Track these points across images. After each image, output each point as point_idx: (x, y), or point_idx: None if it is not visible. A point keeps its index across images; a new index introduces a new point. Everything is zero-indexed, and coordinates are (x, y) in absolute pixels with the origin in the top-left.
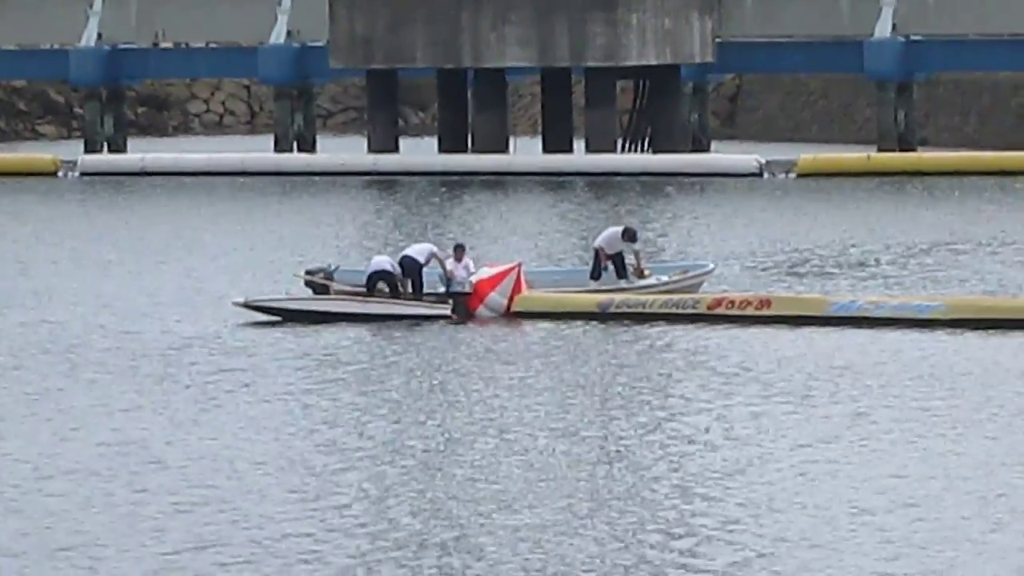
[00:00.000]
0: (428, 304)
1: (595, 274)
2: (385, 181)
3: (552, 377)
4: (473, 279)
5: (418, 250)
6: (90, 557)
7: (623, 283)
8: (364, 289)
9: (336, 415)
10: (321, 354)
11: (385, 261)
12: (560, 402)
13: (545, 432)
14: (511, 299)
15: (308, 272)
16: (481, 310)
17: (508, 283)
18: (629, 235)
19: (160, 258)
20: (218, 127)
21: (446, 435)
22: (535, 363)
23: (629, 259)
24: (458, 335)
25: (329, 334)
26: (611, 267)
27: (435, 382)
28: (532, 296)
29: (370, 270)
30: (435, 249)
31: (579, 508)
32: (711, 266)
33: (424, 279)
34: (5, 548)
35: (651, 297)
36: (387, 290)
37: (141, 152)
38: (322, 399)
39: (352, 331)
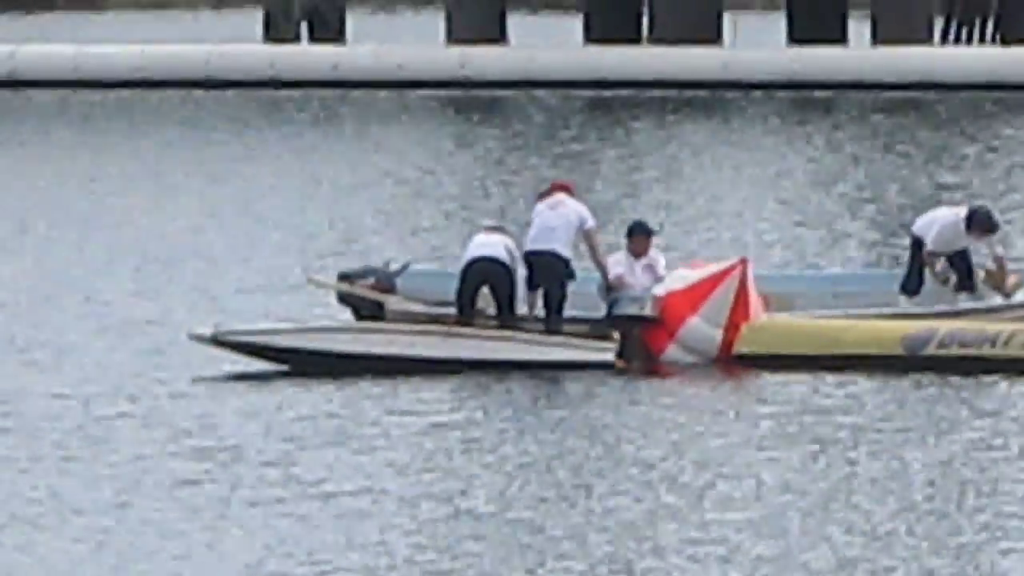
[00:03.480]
0: (572, 341)
1: (911, 284)
2: (485, 99)
3: (821, 503)
4: (659, 291)
5: (557, 228)
6: None
7: (966, 301)
8: (453, 307)
9: None
10: (352, 447)
11: (496, 244)
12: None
13: None
14: (732, 330)
15: (344, 276)
16: (673, 350)
17: (725, 298)
18: (981, 222)
19: (58, 260)
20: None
21: None
22: (780, 483)
23: (985, 263)
24: (628, 407)
25: (370, 400)
26: (943, 272)
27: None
28: (774, 324)
29: (466, 258)
30: (589, 220)
31: None
32: None
33: (570, 286)
34: None
35: (1010, 328)
36: (493, 305)
37: (8, 44)
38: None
39: (419, 393)
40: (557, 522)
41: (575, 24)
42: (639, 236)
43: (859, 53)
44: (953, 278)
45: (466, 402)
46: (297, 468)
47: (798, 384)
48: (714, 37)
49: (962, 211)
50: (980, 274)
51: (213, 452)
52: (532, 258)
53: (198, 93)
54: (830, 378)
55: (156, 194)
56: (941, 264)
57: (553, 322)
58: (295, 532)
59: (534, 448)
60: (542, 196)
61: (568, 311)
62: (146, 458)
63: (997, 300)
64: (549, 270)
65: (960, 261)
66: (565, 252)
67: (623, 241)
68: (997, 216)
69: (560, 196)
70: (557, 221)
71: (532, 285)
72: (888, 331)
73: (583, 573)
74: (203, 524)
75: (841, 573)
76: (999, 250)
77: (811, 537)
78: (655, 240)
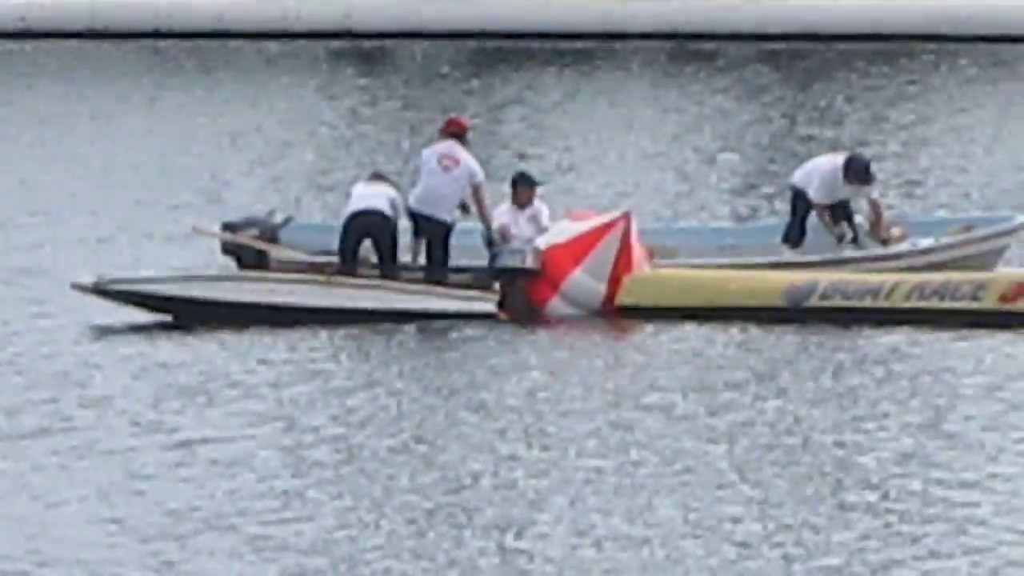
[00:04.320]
0: (454, 291)
1: (793, 235)
2: (376, 49)
3: (696, 456)
4: (541, 243)
5: (447, 195)
6: None
7: (848, 251)
8: (335, 257)
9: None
10: (219, 397)
11: (377, 196)
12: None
13: None
14: (614, 282)
15: (228, 226)
16: (556, 303)
17: (607, 251)
18: (857, 171)
19: None
20: None
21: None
22: (660, 427)
23: (863, 211)
24: (507, 358)
25: (248, 349)
26: (827, 222)
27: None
28: (657, 276)
29: (348, 211)
30: (478, 174)
31: None
32: (1019, 219)
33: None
34: None
35: (892, 279)
36: (376, 255)
37: None
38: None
39: (296, 342)
40: (412, 472)
41: None
42: (523, 187)
43: (741, 4)
44: (849, 234)
45: (344, 352)
46: (162, 417)
47: (678, 335)
48: None
49: (840, 159)
50: (864, 226)
51: (79, 401)
52: (419, 219)
53: (82, 44)
54: (711, 329)
55: (38, 145)
56: (840, 225)
57: (435, 272)
58: (151, 482)
59: (408, 398)
60: (440, 132)
61: (452, 261)
62: (12, 406)
63: (879, 250)
64: (434, 234)
65: (841, 211)
66: (450, 218)
67: (507, 191)
68: (873, 165)
69: (454, 149)
70: (448, 188)
71: (416, 234)
72: (770, 282)
73: (423, 522)
74: (57, 472)
75: (688, 523)
76: (875, 194)
77: (671, 488)
78: (538, 190)
